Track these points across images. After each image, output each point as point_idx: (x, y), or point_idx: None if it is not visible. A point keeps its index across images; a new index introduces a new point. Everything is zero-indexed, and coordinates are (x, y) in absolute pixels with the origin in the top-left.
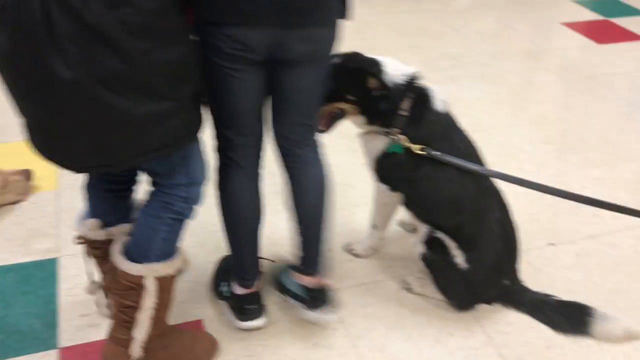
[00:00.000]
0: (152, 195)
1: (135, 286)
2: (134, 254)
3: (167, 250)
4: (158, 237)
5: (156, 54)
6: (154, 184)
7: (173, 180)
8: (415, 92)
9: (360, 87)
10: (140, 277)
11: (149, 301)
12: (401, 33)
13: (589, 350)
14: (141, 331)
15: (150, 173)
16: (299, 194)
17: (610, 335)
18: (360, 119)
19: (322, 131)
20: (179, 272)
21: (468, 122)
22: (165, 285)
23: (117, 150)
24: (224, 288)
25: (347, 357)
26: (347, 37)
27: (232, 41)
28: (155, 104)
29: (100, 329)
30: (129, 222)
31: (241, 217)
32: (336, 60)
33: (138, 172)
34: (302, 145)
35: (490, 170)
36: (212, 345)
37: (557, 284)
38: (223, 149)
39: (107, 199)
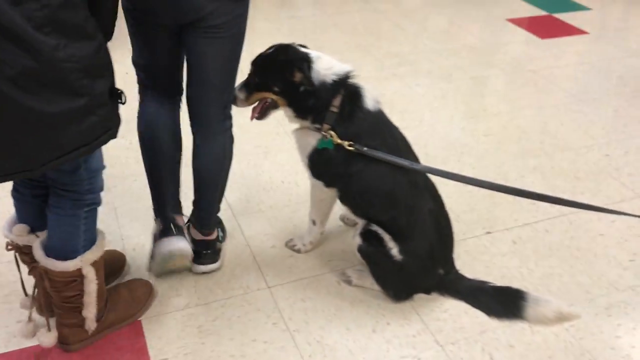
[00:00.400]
0: (58, 195)
1: (77, 278)
2: (62, 252)
3: (92, 238)
4: (80, 232)
5: (66, 50)
6: (55, 182)
7: (75, 177)
8: (346, 90)
9: (286, 80)
10: (79, 270)
11: (92, 285)
12: (350, 32)
13: (521, 332)
14: (92, 310)
15: (54, 171)
16: (196, 159)
17: (543, 318)
18: (289, 111)
19: (256, 118)
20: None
21: (412, 118)
22: (100, 264)
23: (36, 153)
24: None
25: (285, 351)
26: (296, 38)
27: (134, 5)
28: (70, 101)
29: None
30: None
31: (157, 144)
32: (268, 51)
33: None
34: (204, 115)
35: (417, 164)
36: (147, 287)
37: (492, 271)
38: (140, 81)
39: (35, 204)
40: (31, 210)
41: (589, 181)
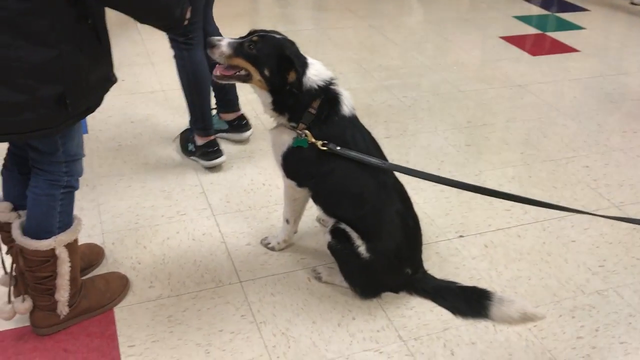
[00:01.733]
0: (36, 175)
1: (50, 258)
2: (38, 232)
3: (67, 221)
4: (56, 212)
5: (17, 51)
6: (35, 162)
7: (53, 158)
8: (327, 95)
9: (280, 73)
10: (52, 250)
11: (65, 267)
12: (343, 46)
13: (484, 330)
14: (64, 293)
15: (32, 150)
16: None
17: (507, 317)
18: (266, 97)
19: (218, 77)
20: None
21: (395, 127)
22: (74, 248)
23: None
24: (190, 146)
25: (250, 341)
26: None
27: None
28: (5, 94)
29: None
30: None
31: (201, 82)
32: (276, 35)
33: None
34: (208, 30)
35: (385, 162)
36: (122, 280)
37: (462, 272)
38: (184, 36)
39: (22, 183)
40: (17, 188)
41: (566, 190)
